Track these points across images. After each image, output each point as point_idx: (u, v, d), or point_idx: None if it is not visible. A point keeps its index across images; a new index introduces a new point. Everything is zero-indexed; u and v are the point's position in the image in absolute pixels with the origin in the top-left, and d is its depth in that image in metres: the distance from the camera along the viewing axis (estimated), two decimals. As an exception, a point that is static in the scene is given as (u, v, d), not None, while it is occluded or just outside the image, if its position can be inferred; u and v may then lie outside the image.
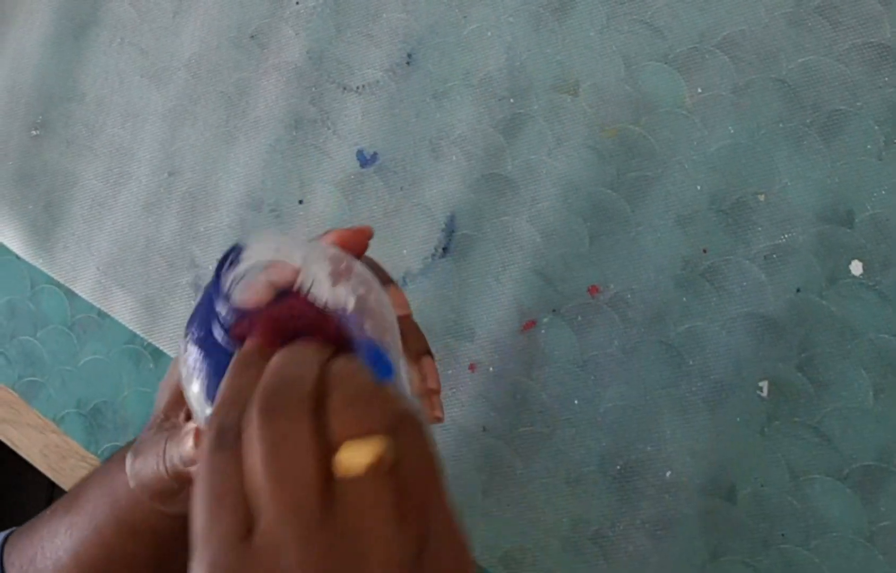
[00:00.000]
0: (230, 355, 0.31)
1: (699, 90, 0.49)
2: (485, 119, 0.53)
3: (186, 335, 0.33)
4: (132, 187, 0.59)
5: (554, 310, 0.49)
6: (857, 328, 0.45)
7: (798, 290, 0.46)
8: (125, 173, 0.60)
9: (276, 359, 0.28)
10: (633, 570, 0.45)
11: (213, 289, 0.31)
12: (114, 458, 0.43)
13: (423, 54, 0.55)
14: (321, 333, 0.31)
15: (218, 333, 0.32)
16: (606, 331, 0.48)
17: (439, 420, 0.38)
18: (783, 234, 0.47)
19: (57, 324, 0.59)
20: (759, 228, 0.47)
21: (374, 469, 0.25)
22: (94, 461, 0.57)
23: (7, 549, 0.47)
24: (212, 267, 0.56)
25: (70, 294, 0.59)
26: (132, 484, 0.39)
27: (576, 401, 0.48)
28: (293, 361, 0.28)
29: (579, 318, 0.49)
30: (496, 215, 0.51)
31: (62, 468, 0.58)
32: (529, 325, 0.49)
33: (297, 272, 0.31)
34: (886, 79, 0.47)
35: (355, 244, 0.38)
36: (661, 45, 0.50)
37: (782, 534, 0.44)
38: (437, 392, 0.38)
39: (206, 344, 0.32)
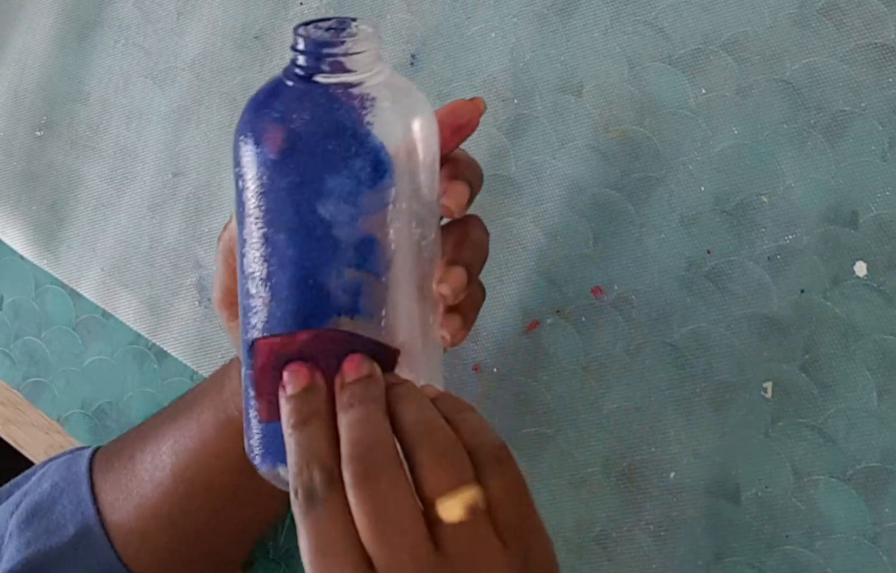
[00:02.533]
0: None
1: (703, 91, 0.49)
2: (488, 120, 0.53)
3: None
4: (136, 188, 0.60)
5: (558, 312, 0.49)
6: (862, 329, 0.45)
7: (802, 291, 0.46)
8: (129, 174, 0.60)
9: (347, 423, 0.31)
10: (637, 571, 0.46)
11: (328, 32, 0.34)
12: (222, 368, 0.47)
13: (426, 55, 0.55)
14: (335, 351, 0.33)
15: (324, 71, 0.34)
16: (610, 332, 0.48)
17: (445, 340, 0.38)
18: (787, 235, 0.47)
19: (61, 324, 0.59)
20: (763, 229, 0.47)
21: (471, 513, 0.29)
22: (99, 461, 0.57)
23: (99, 459, 0.49)
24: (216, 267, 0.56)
25: (74, 294, 0.59)
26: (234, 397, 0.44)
27: (579, 403, 0.48)
28: (363, 421, 0.31)
29: (583, 319, 0.49)
30: (500, 216, 0.51)
31: (67, 468, 0.58)
32: (533, 326, 0.49)
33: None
34: (891, 79, 0.47)
35: (464, 113, 0.39)
36: (666, 46, 0.50)
37: (786, 536, 0.44)
38: (448, 302, 0.37)
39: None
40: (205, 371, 0.55)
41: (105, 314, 0.58)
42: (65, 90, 0.63)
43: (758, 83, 0.49)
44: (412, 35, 0.56)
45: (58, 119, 0.63)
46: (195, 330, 0.56)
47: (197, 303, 0.56)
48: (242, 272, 0.35)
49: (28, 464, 0.60)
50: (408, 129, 0.34)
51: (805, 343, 0.45)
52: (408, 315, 0.35)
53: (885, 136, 0.46)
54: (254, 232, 0.34)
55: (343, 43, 0.34)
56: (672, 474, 0.46)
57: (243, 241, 0.35)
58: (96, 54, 0.63)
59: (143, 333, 0.57)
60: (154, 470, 0.46)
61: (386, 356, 0.34)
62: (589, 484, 0.47)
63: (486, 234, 0.41)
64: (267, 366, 0.33)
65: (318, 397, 0.32)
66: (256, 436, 0.36)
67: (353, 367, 0.33)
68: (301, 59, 0.34)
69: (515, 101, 0.53)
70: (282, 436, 0.34)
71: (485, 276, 0.51)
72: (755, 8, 0.49)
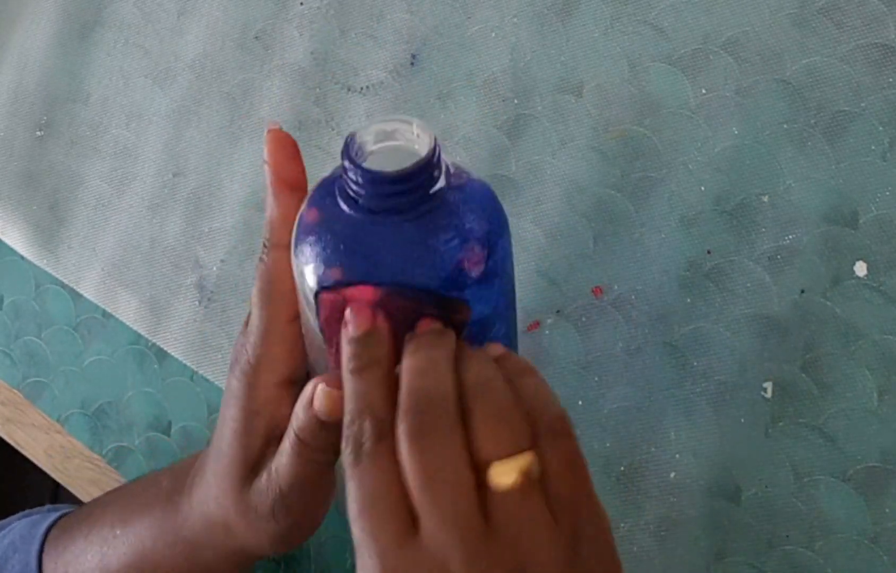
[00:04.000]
0: (355, 224, 0.32)
1: (703, 91, 0.49)
2: (489, 120, 0.53)
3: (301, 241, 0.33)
4: (136, 188, 0.60)
5: (558, 312, 0.49)
6: (862, 329, 0.45)
7: (802, 291, 0.46)
8: (129, 174, 0.60)
9: (410, 370, 0.30)
10: (637, 571, 0.45)
11: (346, 162, 0.31)
12: (164, 489, 0.43)
13: (426, 55, 0.55)
14: (412, 315, 0.32)
15: (347, 204, 0.32)
16: (610, 332, 0.48)
17: None
18: (787, 236, 0.47)
19: (61, 324, 0.59)
20: (764, 229, 0.47)
21: (525, 482, 0.27)
22: (99, 461, 0.57)
23: (50, 540, 0.46)
24: (216, 267, 0.56)
25: (75, 294, 0.59)
26: (194, 525, 0.40)
27: (580, 403, 0.48)
28: (426, 371, 0.29)
29: (583, 319, 0.49)
30: (500, 216, 0.51)
31: (67, 468, 0.58)
32: (533, 326, 0.49)
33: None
34: (891, 79, 0.47)
35: (289, 148, 0.36)
36: (666, 46, 0.50)
37: (787, 536, 0.44)
38: None
39: (331, 219, 0.32)
40: (205, 371, 0.55)
41: (105, 314, 0.58)
42: (65, 90, 0.63)
43: (758, 83, 0.49)
44: (412, 35, 0.56)
45: (58, 119, 0.63)
46: (195, 330, 0.56)
47: (197, 303, 0.56)
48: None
49: (28, 463, 0.60)
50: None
51: (805, 343, 0.45)
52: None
53: (885, 136, 0.46)
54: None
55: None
56: (672, 474, 0.46)
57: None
58: (96, 54, 0.63)
59: (143, 333, 0.57)
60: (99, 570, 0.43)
61: (458, 318, 0.33)
62: (589, 484, 0.47)
63: None
64: (332, 317, 0.32)
65: (380, 344, 0.31)
66: None
67: (427, 324, 0.31)
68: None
69: (515, 101, 0.53)
70: None
71: (485, 276, 0.51)
72: (755, 8, 0.49)
